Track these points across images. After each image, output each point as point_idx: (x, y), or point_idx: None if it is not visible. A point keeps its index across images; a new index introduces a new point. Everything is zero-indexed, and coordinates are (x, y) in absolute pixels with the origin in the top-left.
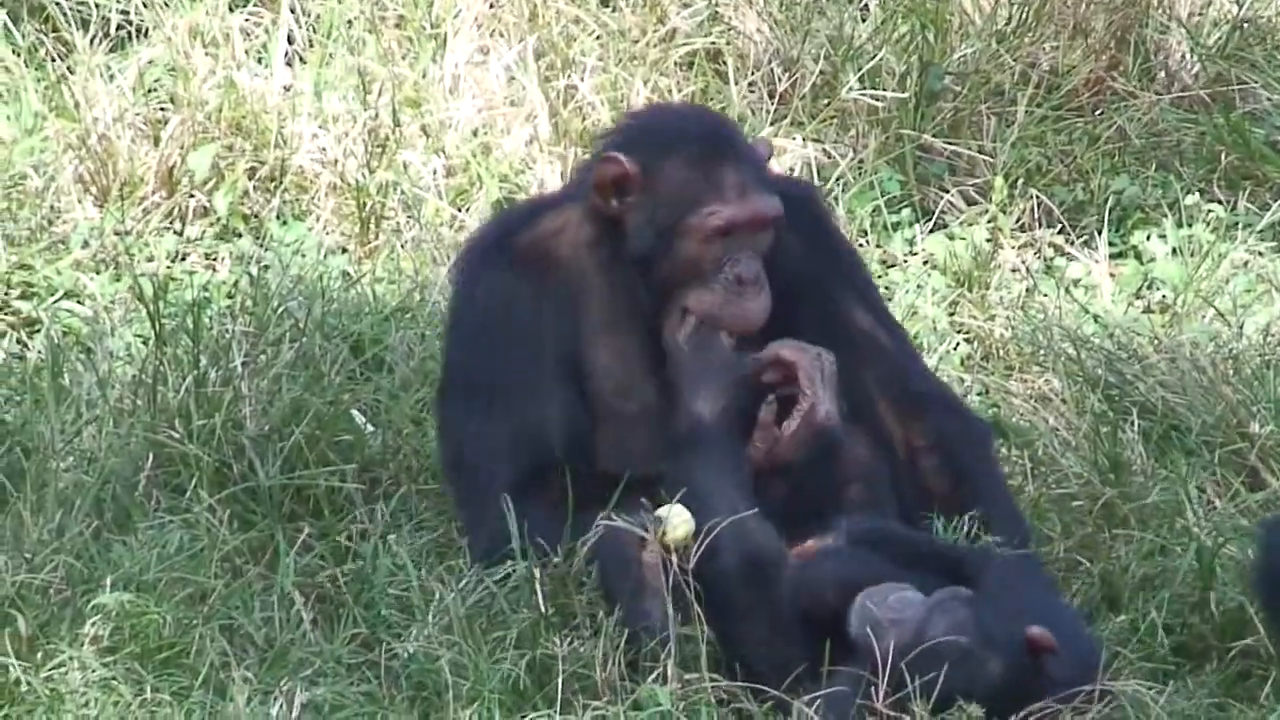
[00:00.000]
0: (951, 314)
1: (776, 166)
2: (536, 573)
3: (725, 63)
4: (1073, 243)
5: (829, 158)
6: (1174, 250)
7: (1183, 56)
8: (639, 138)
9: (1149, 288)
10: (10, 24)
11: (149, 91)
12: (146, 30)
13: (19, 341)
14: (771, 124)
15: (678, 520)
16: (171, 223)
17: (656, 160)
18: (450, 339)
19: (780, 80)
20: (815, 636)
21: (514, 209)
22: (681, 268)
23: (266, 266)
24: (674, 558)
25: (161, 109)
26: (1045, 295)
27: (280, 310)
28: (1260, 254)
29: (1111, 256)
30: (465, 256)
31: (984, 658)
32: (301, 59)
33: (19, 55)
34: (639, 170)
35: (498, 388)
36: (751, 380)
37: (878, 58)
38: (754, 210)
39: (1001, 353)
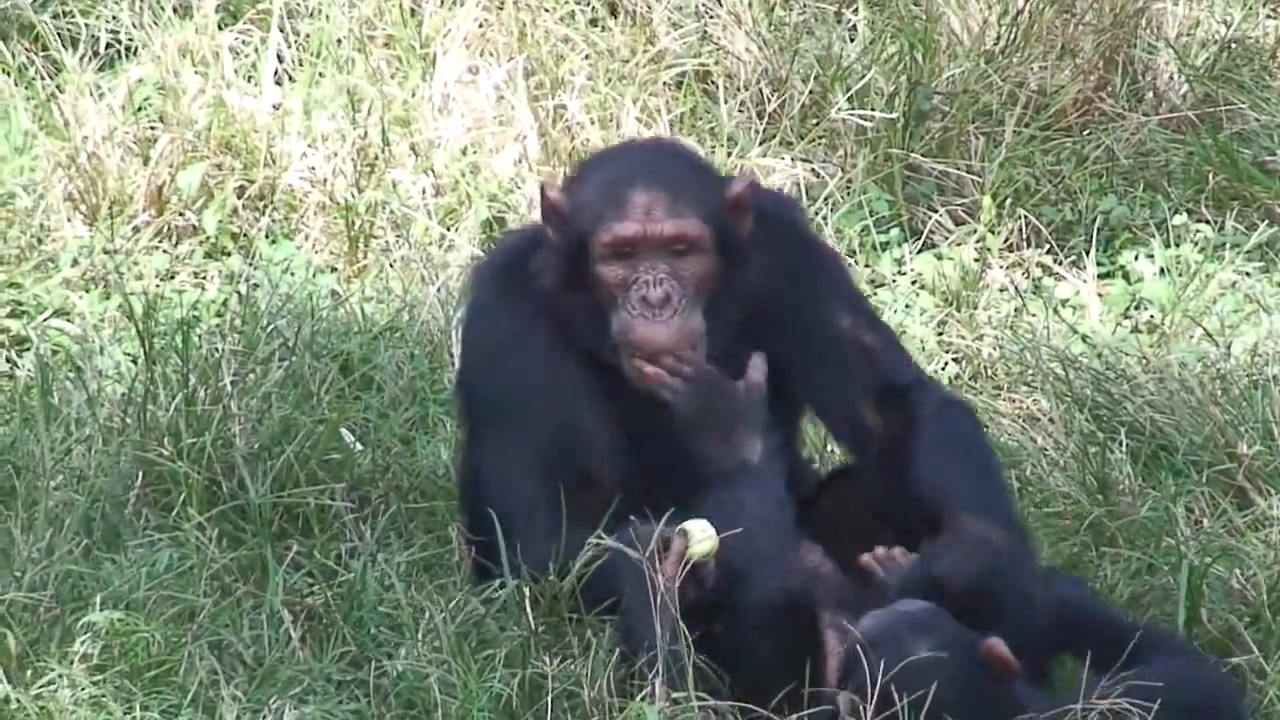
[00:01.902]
0: (940, 334)
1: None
2: (527, 591)
3: (714, 83)
4: (1061, 263)
5: (817, 177)
6: (1162, 270)
7: (1171, 77)
8: (575, 169)
9: (1137, 308)
10: (0, 43)
11: (138, 110)
12: (136, 49)
13: (8, 360)
14: (760, 144)
15: (701, 535)
16: (161, 241)
17: (577, 185)
18: (470, 363)
19: (769, 100)
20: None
21: (525, 231)
22: (599, 291)
23: (256, 285)
24: (665, 573)
25: (151, 128)
26: (1033, 315)
27: (269, 329)
28: (1248, 274)
29: (1099, 276)
30: (476, 284)
31: (944, 668)
32: (291, 78)
33: (8, 74)
34: (563, 199)
35: (530, 411)
36: None
37: (866, 78)
38: (652, 228)
39: (990, 372)
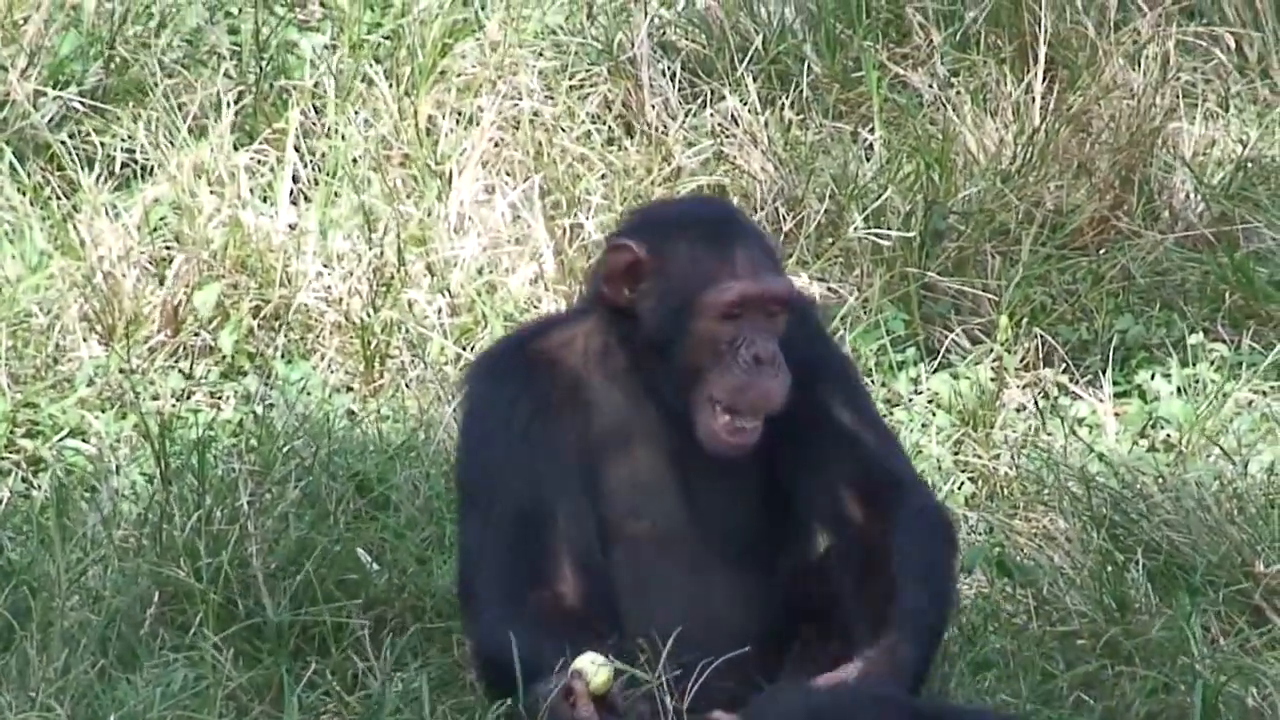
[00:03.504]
0: (956, 453)
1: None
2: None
3: (730, 201)
4: (1077, 381)
5: (834, 296)
6: (1178, 389)
7: (1187, 196)
8: (647, 225)
9: (1153, 426)
10: (16, 163)
11: (154, 230)
12: (151, 169)
13: (24, 480)
14: None
15: (594, 667)
16: (177, 361)
17: (667, 242)
18: (457, 448)
19: (785, 219)
20: None
21: (526, 324)
22: (698, 350)
23: (272, 405)
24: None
25: (167, 247)
26: (1050, 434)
27: (286, 449)
28: (1264, 393)
29: (1116, 395)
30: (474, 368)
31: None
32: (306, 197)
33: (24, 193)
34: (649, 254)
35: (498, 493)
36: None
37: (883, 198)
38: (766, 287)
39: (1006, 491)
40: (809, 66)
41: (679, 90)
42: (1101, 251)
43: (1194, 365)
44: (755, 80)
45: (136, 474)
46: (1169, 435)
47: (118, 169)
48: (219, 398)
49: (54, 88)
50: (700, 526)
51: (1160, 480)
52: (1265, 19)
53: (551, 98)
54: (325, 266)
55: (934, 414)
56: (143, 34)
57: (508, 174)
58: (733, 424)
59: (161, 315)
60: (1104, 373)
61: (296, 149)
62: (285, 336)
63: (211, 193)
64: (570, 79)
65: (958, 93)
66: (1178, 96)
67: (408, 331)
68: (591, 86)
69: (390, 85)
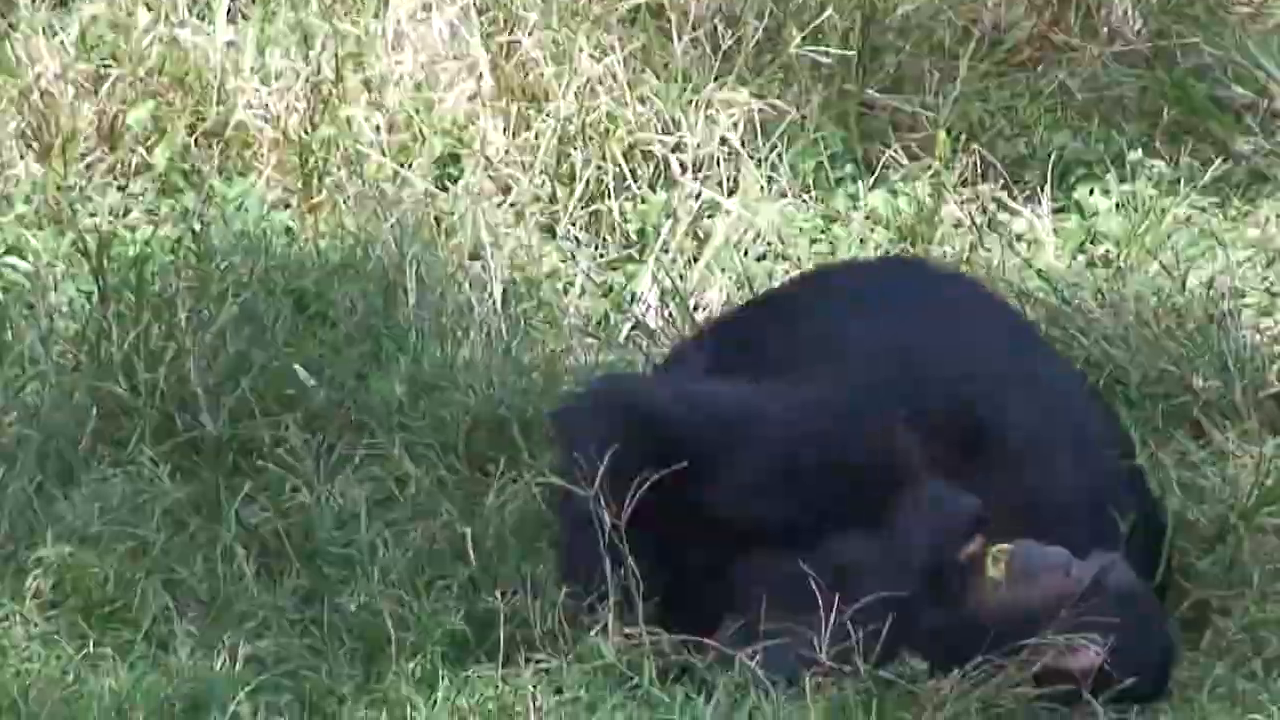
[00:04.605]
0: None
1: None
2: (468, 533)
3: (668, 19)
4: (1015, 197)
5: (773, 113)
6: (1117, 205)
7: (1125, 12)
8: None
9: (1092, 242)
10: None
11: (92, 49)
12: None
13: None
14: (715, 79)
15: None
16: (114, 179)
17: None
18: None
19: (724, 37)
20: None
21: None
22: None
23: (209, 223)
24: None
25: (105, 66)
26: (988, 250)
27: (224, 266)
28: (1203, 209)
29: (1054, 211)
30: None
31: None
32: (244, 15)
33: None
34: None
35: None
36: None
37: (822, 15)
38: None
39: None
40: None
41: None
42: (1039, 68)
43: (1132, 181)
44: None
45: (74, 291)
46: (1107, 251)
47: None
48: (156, 215)
49: None
50: None
51: (1099, 296)
52: None
53: None
54: (262, 84)
55: (872, 230)
56: None
57: None
58: None
59: (97, 132)
60: (1042, 188)
61: None
62: (222, 154)
63: (149, 10)
64: None
65: None
66: None
67: (345, 149)
68: None
69: None
